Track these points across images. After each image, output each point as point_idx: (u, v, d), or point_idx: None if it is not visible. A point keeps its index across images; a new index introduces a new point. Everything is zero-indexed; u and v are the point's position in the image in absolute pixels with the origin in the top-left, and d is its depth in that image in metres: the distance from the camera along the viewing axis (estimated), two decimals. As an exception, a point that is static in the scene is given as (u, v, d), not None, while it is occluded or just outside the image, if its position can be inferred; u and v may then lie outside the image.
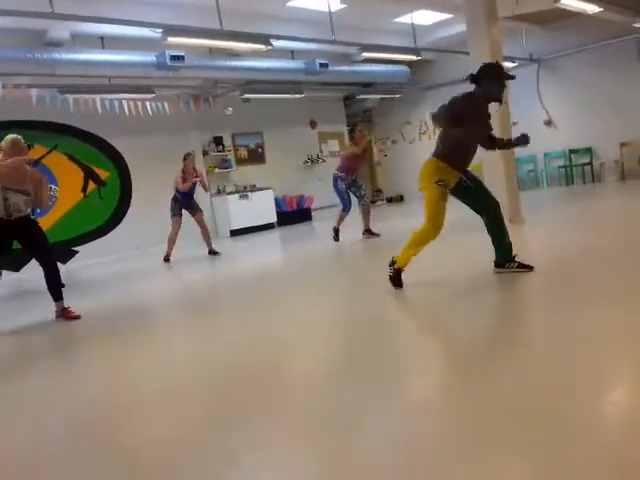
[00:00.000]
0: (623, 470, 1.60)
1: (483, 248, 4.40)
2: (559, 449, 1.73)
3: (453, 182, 4.06)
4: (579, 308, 3.22)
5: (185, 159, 8.16)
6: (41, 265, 4.86)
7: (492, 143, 4.41)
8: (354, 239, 7.75)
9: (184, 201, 8.19)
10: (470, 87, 4.07)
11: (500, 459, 1.76)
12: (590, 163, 11.58)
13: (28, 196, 4.72)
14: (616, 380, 2.30)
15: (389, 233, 7.82)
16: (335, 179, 7.75)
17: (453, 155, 4.02)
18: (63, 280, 5.01)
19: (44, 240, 4.91)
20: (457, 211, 4.46)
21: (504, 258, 4.19)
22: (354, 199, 7.82)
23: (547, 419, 1.94)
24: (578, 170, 11.76)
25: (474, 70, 4.07)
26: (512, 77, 4.12)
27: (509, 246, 4.18)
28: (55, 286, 4.85)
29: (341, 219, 7.83)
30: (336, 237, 7.83)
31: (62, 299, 4.89)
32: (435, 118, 3.87)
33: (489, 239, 4.23)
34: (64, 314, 4.83)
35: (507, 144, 4.51)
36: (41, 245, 4.87)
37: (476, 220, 4.33)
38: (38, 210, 5.25)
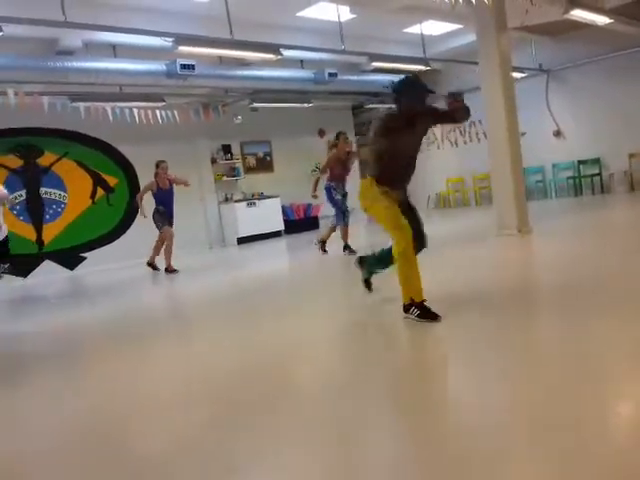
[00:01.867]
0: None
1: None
2: (568, 458, 1.72)
3: (395, 198, 3.77)
4: (585, 319, 3.19)
5: (157, 167, 8.06)
6: None
7: (450, 118, 4.01)
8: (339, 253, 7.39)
9: (167, 210, 8.05)
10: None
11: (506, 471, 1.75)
12: (599, 174, 11.53)
13: None
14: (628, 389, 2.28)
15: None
16: (328, 190, 7.46)
17: (392, 175, 3.76)
18: (70, 287, 5.01)
19: None
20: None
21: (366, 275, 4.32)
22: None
23: (554, 428, 1.92)
24: (587, 181, 11.71)
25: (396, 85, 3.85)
26: (431, 91, 3.92)
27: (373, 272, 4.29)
28: None
29: (331, 231, 7.60)
30: (323, 248, 7.63)
31: None
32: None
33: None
34: None
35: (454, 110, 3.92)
36: None
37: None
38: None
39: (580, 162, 11.76)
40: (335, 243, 7.60)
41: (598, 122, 11.29)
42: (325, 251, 7.63)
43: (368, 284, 4.39)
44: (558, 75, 11.94)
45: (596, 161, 11.55)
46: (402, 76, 3.99)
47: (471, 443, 1.94)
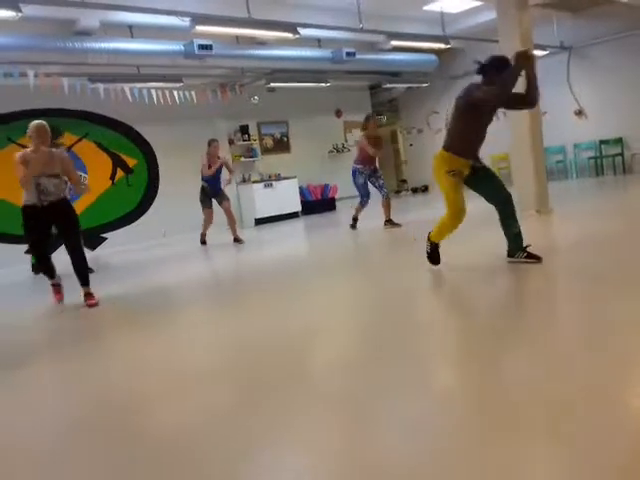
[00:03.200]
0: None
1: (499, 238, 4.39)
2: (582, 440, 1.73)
3: (466, 170, 4.16)
4: (599, 300, 3.17)
5: (209, 145, 8.33)
6: (67, 248, 4.93)
7: (526, 100, 4.26)
8: (374, 229, 7.74)
9: (211, 189, 8.32)
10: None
11: (520, 448, 1.76)
12: (621, 154, 11.33)
13: (58, 179, 4.82)
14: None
15: (412, 224, 7.77)
16: (354, 172, 7.74)
17: (461, 144, 4.13)
18: (92, 266, 5.11)
19: (75, 224, 5.01)
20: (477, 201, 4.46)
21: (515, 247, 4.23)
22: (374, 190, 7.78)
23: (567, 410, 1.93)
24: (608, 161, 11.52)
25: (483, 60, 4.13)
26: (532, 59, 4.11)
27: (518, 236, 4.22)
28: (82, 271, 4.94)
29: (359, 210, 7.91)
30: (354, 226, 7.93)
31: (88, 284, 4.97)
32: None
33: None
34: (86, 299, 4.91)
35: (530, 86, 4.20)
36: (71, 229, 4.96)
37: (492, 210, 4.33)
38: (76, 194, 5.37)
39: (602, 142, 11.56)
40: (365, 219, 8.02)
41: (620, 101, 11.06)
42: (354, 227, 7.98)
43: (531, 256, 4.20)
44: (580, 52, 11.69)
45: (618, 141, 11.34)
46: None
47: (485, 425, 1.95)
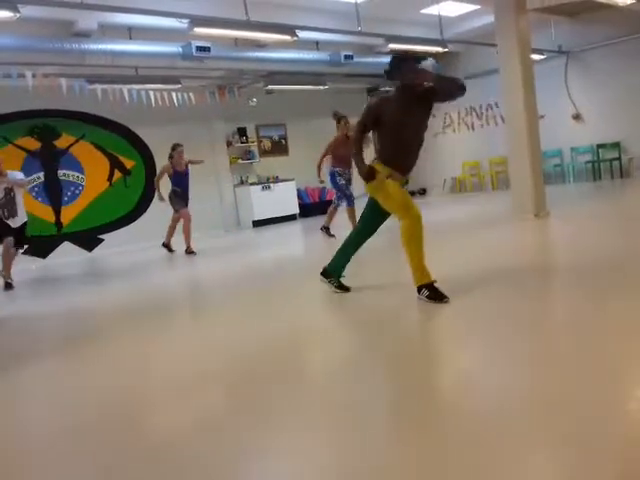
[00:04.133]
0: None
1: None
2: (579, 444, 1.73)
3: (400, 181, 3.77)
4: (602, 301, 3.18)
5: (173, 150, 8.18)
6: None
7: (445, 90, 3.75)
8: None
9: (183, 192, 8.22)
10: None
11: (518, 454, 1.76)
12: (618, 158, 11.36)
13: None
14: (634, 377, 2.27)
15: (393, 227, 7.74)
16: (332, 175, 7.55)
17: (395, 156, 3.72)
18: (89, 268, 5.07)
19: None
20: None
21: (331, 271, 4.23)
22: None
23: (562, 415, 1.93)
24: (606, 165, 11.55)
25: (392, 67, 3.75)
26: (423, 58, 3.87)
27: (341, 267, 4.22)
28: None
29: (352, 215, 7.52)
30: (328, 233, 7.71)
31: None
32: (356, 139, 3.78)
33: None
34: None
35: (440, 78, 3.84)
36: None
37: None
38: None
39: (599, 146, 11.59)
40: (343, 227, 7.64)
41: (618, 105, 11.09)
42: (332, 235, 7.62)
43: (343, 287, 4.23)
44: (578, 57, 11.73)
45: (615, 145, 11.37)
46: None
47: (481, 426, 1.95)
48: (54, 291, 6.37)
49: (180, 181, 8.21)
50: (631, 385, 2.17)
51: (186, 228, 8.21)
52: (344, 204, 7.65)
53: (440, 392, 2.39)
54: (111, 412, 2.52)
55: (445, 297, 3.57)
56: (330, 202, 12.76)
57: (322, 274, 4.28)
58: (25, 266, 7.57)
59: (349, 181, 7.57)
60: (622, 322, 2.82)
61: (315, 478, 1.78)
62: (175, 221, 8.38)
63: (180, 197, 8.22)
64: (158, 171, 8.28)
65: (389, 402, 2.23)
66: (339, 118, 7.64)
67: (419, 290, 3.65)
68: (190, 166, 8.34)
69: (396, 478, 1.70)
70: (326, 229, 7.77)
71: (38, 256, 8.19)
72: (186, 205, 8.26)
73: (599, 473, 1.59)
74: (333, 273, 4.23)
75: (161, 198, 8.24)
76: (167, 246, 8.51)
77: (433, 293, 3.58)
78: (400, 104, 3.66)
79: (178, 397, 2.60)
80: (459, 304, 3.55)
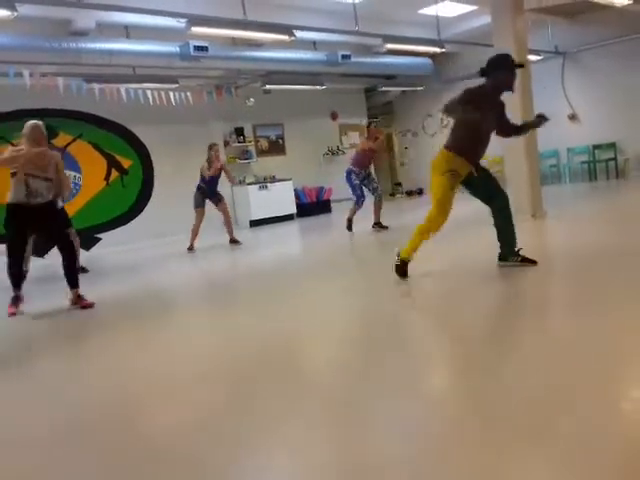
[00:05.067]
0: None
1: (489, 241, 4.40)
2: (573, 444, 1.74)
3: (464, 173, 4.12)
4: (590, 305, 3.20)
5: (210, 149, 8.31)
6: (60, 251, 4.90)
7: (510, 131, 4.43)
8: (365, 231, 7.82)
9: (209, 190, 8.31)
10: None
11: (512, 455, 1.78)
12: (614, 159, 11.40)
13: (49, 182, 4.78)
14: (627, 377, 2.29)
15: (403, 226, 7.79)
16: (349, 173, 7.86)
17: (464, 146, 4.06)
18: (87, 266, 5.07)
19: (63, 227, 4.97)
20: (463, 205, 4.51)
21: (509, 252, 4.23)
22: (368, 192, 7.92)
23: (559, 414, 1.94)
24: (602, 166, 11.59)
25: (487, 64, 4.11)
26: (521, 65, 4.17)
27: (513, 240, 4.22)
28: (71, 273, 4.88)
29: (354, 212, 7.92)
30: (349, 228, 7.93)
31: (78, 287, 4.90)
32: (448, 109, 3.91)
33: (494, 232, 4.28)
34: (78, 302, 4.87)
35: (524, 127, 4.52)
36: (59, 232, 4.93)
37: (482, 214, 4.35)
38: (64, 200, 5.33)
39: (595, 147, 11.63)
40: (360, 223, 7.98)
41: (614, 106, 11.13)
42: (350, 229, 7.91)
43: (526, 259, 4.22)
44: (574, 58, 11.77)
45: (611, 146, 11.41)
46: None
47: (481, 425, 1.97)
48: (54, 288, 6.35)
49: (209, 182, 8.24)
50: (629, 385, 2.19)
51: (195, 227, 8.30)
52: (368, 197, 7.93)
53: (439, 392, 2.40)
54: (109, 412, 2.52)
55: (407, 276, 4.23)
56: (328, 202, 12.89)
57: (501, 260, 4.29)
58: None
59: (363, 179, 7.81)
60: (620, 321, 2.84)
61: (314, 477, 1.78)
62: (200, 215, 8.36)
63: (202, 195, 8.27)
64: (201, 170, 8.30)
65: (388, 400, 2.24)
66: (370, 122, 8.29)
67: (398, 256, 4.24)
68: (222, 174, 8.37)
69: (395, 476, 1.71)
70: (377, 224, 7.89)
71: (37, 255, 8.18)
72: (203, 205, 8.30)
73: (598, 473, 1.60)
74: (510, 254, 4.23)
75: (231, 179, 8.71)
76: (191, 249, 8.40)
77: (402, 269, 4.24)
78: (491, 99, 4.04)
79: (172, 397, 2.61)
80: (456, 304, 3.56)
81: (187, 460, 1.94)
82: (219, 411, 2.38)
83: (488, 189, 4.23)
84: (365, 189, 7.88)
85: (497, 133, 4.35)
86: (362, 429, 2.02)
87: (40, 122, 4.86)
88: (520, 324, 3.13)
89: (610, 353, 2.42)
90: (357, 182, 7.79)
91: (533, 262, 4.18)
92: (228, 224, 8.54)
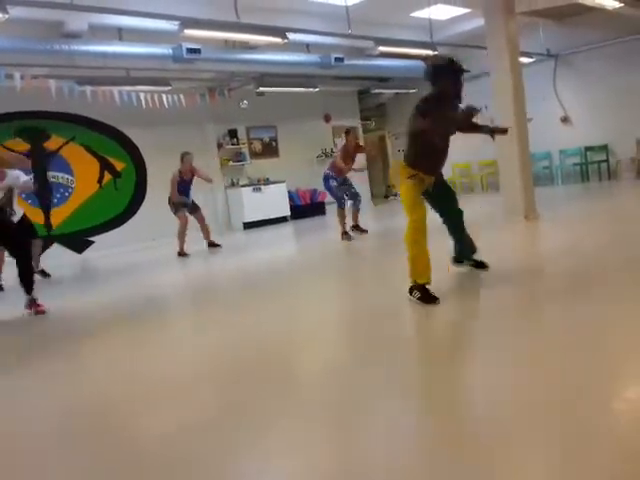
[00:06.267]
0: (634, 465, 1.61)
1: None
2: (570, 444, 1.75)
3: (427, 182, 3.93)
4: (586, 304, 3.21)
5: (182, 159, 8.14)
6: (14, 257, 4.86)
7: (468, 129, 4.26)
8: (354, 235, 7.70)
9: (183, 201, 8.19)
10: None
11: (510, 453, 1.78)
12: (606, 160, 11.47)
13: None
14: (623, 376, 2.30)
15: (397, 229, 7.79)
16: (326, 177, 7.78)
17: (418, 158, 3.86)
18: (80, 269, 5.04)
19: (17, 231, 4.93)
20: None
21: (463, 256, 4.32)
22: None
23: (556, 414, 1.95)
24: (594, 167, 11.65)
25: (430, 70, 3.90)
26: (466, 70, 3.94)
27: (469, 246, 4.29)
28: (26, 279, 4.83)
29: (342, 218, 7.65)
30: (348, 238, 7.60)
31: (32, 292, 4.86)
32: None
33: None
34: (33, 307, 4.83)
35: (483, 129, 4.35)
36: (13, 237, 4.89)
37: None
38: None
39: (587, 148, 11.69)
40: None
41: (606, 108, 11.20)
42: (349, 238, 7.60)
43: (480, 264, 4.33)
44: (566, 60, 11.84)
45: (603, 147, 11.48)
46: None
47: (475, 427, 1.97)
48: (43, 293, 6.32)
49: (184, 188, 8.16)
50: (622, 385, 2.20)
51: (181, 232, 8.15)
52: (348, 204, 7.84)
53: (436, 393, 2.40)
54: (106, 413, 2.51)
55: (436, 299, 3.58)
56: (322, 204, 12.89)
57: (457, 261, 4.36)
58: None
59: (343, 184, 7.73)
60: (612, 321, 2.86)
61: (312, 478, 1.78)
62: (183, 220, 8.24)
63: (179, 202, 8.17)
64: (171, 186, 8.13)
65: (385, 401, 2.24)
66: (347, 131, 8.00)
67: (410, 291, 3.69)
68: (195, 177, 8.29)
69: (392, 477, 1.70)
70: (355, 227, 7.87)
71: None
72: (185, 210, 8.19)
73: (592, 473, 1.61)
74: (465, 259, 4.33)
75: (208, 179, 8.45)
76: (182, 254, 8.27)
77: (425, 295, 3.61)
78: (439, 107, 3.74)
79: (169, 400, 2.60)
80: (451, 304, 3.56)
81: (177, 464, 1.93)
82: (213, 414, 2.37)
83: (443, 203, 4.17)
84: (345, 194, 7.75)
85: (458, 131, 4.16)
86: (354, 435, 2.02)
87: None
88: (507, 325, 3.13)
89: (601, 350, 2.44)
90: (335, 184, 7.68)
91: (484, 267, 4.27)
92: (204, 230, 8.39)
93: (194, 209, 8.27)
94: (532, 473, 1.68)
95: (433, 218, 4.07)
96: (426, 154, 3.87)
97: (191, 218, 8.21)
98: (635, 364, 2.36)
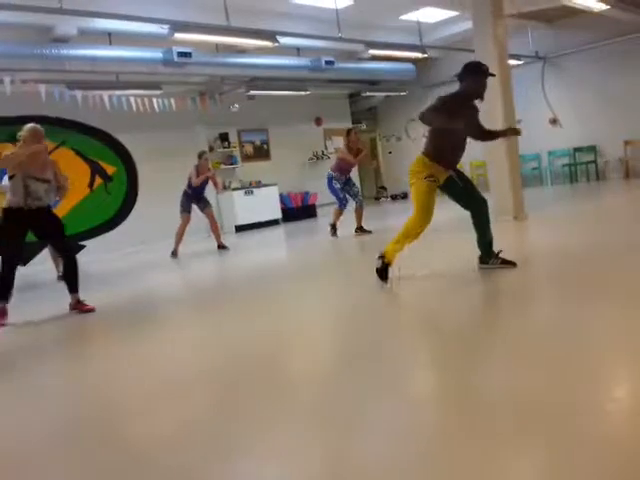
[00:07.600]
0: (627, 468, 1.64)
1: (470, 246, 4.45)
2: (560, 445, 1.78)
3: (442, 179, 4.17)
4: (574, 304, 3.25)
5: (200, 157, 8.33)
6: (60, 256, 4.88)
7: (483, 136, 4.59)
8: (348, 236, 7.86)
9: (195, 196, 8.29)
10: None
11: (500, 452, 1.81)
12: (594, 161, 11.58)
13: (48, 184, 4.71)
14: (612, 376, 2.34)
15: (388, 229, 7.84)
16: (329, 179, 7.92)
17: (441, 153, 4.11)
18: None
19: (62, 230, 4.90)
20: (447, 210, 4.53)
21: (487, 255, 4.29)
22: (349, 197, 7.99)
23: (546, 415, 1.98)
24: (582, 168, 11.76)
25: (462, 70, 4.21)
26: (492, 74, 4.24)
27: (491, 243, 4.28)
28: (71, 277, 4.83)
29: (338, 216, 7.97)
30: (334, 233, 7.97)
31: (77, 291, 4.85)
32: (424, 118, 3.97)
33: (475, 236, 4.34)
34: (78, 307, 4.82)
35: (495, 134, 4.67)
36: (58, 236, 4.88)
37: (464, 219, 4.40)
38: (57, 199, 5.26)
39: (576, 149, 11.80)
40: (343, 227, 8.06)
41: (594, 109, 11.31)
42: (335, 235, 7.96)
43: (506, 262, 4.28)
44: (554, 62, 11.95)
45: (592, 148, 11.59)
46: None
47: (463, 428, 2.00)
48: (42, 296, 6.31)
49: (196, 188, 8.23)
50: (612, 385, 2.23)
51: (179, 233, 8.27)
52: (350, 204, 8.00)
53: (426, 395, 2.43)
54: (103, 415, 2.52)
55: (387, 278, 4.23)
56: (313, 206, 12.92)
57: (482, 263, 4.32)
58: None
59: (344, 184, 7.85)
60: (598, 320, 2.90)
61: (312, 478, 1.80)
62: (185, 221, 8.32)
63: (187, 201, 8.25)
64: (189, 177, 8.26)
65: (379, 403, 2.27)
66: (349, 130, 8.20)
67: (380, 257, 4.24)
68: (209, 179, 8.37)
69: (388, 478, 1.72)
70: (360, 229, 7.97)
71: (18, 264, 8.10)
72: (189, 211, 8.27)
73: (581, 473, 1.63)
74: (489, 256, 4.29)
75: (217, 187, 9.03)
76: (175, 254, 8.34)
77: (383, 272, 4.24)
78: (464, 105, 4.12)
79: (164, 403, 2.61)
80: (438, 306, 3.60)
81: (171, 467, 1.95)
82: (208, 417, 2.38)
83: (465, 196, 4.27)
84: (347, 194, 7.92)
85: (471, 137, 4.41)
86: (349, 436, 2.03)
87: (38, 125, 4.85)
88: (503, 324, 3.17)
89: (594, 348, 2.47)
90: (338, 186, 7.85)
91: (513, 264, 4.24)
92: (215, 230, 8.51)
93: (205, 205, 8.39)
94: (528, 472, 1.71)
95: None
96: (450, 150, 4.13)
97: (192, 221, 8.32)
98: (616, 364, 2.39)
